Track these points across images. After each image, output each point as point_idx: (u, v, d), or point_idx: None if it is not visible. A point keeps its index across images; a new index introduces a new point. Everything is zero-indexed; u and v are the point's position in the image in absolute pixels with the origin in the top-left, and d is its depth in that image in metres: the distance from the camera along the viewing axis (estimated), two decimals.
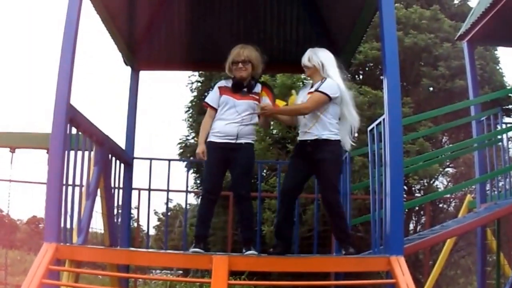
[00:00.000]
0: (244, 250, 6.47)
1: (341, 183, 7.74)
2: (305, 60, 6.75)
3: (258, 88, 6.81)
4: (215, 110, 6.77)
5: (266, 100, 6.71)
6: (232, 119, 6.63)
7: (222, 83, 6.94)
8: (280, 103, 6.72)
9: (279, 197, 6.74)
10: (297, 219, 8.74)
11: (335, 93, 6.50)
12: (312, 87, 6.68)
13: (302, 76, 8.36)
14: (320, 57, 6.71)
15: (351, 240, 6.54)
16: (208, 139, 6.71)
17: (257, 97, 6.74)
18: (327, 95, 6.45)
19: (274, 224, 6.86)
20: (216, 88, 6.91)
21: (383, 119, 6.05)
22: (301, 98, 6.74)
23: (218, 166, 6.63)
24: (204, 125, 6.80)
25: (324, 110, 6.51)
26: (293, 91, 6.91)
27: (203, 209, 6.69)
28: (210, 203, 6.66)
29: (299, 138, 6.73)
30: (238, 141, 6.60)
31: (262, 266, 5.86)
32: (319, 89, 6.48)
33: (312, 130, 6.53)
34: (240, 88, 6.73)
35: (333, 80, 6.57)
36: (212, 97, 6.86)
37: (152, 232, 32.16)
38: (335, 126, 6.57)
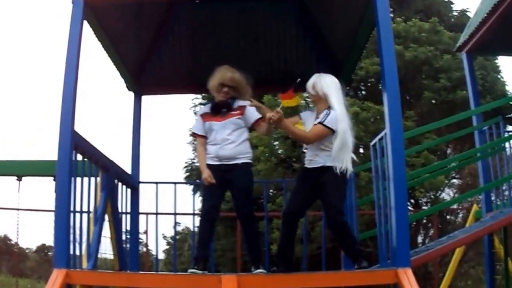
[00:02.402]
0: (252, 269, 6.48)
1: (346, 200, 7.77)
2: (309, 87, 6.71)
3: (237, 103, 6.78)
4: (204, 137, 6.83)
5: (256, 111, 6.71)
6: (223, 142, 6.64)
7: (202, 110, 7.04)
8: (299, 126, 6.71)
9: (282, 218, 6.64)
10: (305, 237, 8.77)
11: (336, 126, 6.46)
12: (317, 114, 6.67)
13: (305, 94, 8.39)
14: (323, 85, 6.63)
15: (363, 254, 6.52)
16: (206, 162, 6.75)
17: (238, 111, 6.72)
18: (331, 129, 6.43)
19: (278, 244, 6.77)
20: (198, 116, 6.98)
21: (385, 134, 6.07)
22: (308, 126, 6.66)
23: (214, 188, 6.60)
24: (199, 154, 6.89)
25: (330, 143, 6.48)
26: (300, 120, 6.84)
27: (202, 231, 6.68)
28: (208, 225, 6.64)
29: (305, 165, 6.69)
30: (234, 162, 6.61)
31: (271, 284, 5.79)
32: (324, 123, 6.44)
33: (317, 159, 6.53)
34: (219, 110, 6.76)
35: (336, 111, 6.50)
36: (197, 126, 6.92)
37: (162, 256, 31.92)
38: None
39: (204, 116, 6.86)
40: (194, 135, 7.00)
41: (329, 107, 6.57)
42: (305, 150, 6.82)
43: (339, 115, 6.49)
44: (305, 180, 6.63)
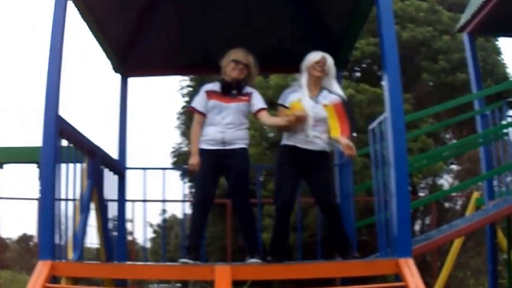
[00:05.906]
0: (247, 258, 6.26)
1: (343, 187, 7.74)
2: (330, 62, 6.52)
3: (247, 90, 6.55)
4: (203, 115, 6.50)
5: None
6: (223, 124, 6.37)
7: (208, 86, 6.66)
8: (296, 105, 6.38)
9: (276, 208, 6.34)
10: (299, 225, 8.51)
11: None
12: (313, 92, 6.44)
13: (297, 76, 8.05)
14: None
15: (351, 243, 6.45)
16: (200, 146, 6.46)
17: (246, 98, 6.48)
18: None
19: (272, 233, 6.47)
20: (202, 92, 6.62)
21: (385, 117, 5.82)
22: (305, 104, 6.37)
23: (210, 174, 6.36)
24: (194, 133, 6.56)
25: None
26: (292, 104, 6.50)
27: (196, 220, 6.43)
28: (202, 212, 6.41)
29: (297, 144, 6.36)
30: (231, 147, 6.34)
31: (266, 274, 5.66)
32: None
33: (319, 142, 6.31)
34: (229, 90, 6.49)
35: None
36: (199, 102, 6.57)
37: (147, 245, 31.55)
38: None
39: (210, 94, 6.54)
40: (192, 110, 6.62)
41: (321, 88, 6.46)
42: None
43: None
44: (296, 162, 6.34)
